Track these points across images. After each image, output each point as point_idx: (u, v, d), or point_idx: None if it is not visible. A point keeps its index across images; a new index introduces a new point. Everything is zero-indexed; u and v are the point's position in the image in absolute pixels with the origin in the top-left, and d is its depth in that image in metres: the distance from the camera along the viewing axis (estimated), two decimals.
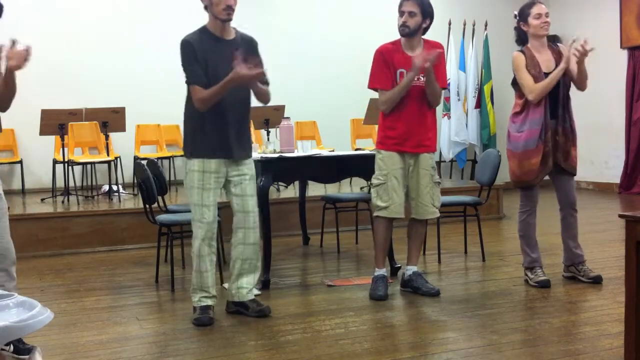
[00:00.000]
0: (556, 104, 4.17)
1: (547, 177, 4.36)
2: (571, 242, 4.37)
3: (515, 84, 4.25)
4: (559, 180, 4.32)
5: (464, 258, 5.32)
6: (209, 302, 3.75)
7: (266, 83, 3.77)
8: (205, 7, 3.68)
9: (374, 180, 4.17)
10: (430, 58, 3.90)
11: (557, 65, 4.16)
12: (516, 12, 4.28)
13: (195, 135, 3.69)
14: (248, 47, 3.71)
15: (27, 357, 3.17)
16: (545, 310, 3.78)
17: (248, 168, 3.80)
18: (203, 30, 3.72)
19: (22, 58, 3.00)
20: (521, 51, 4.24)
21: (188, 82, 3.66)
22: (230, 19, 3.67)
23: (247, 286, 3.83)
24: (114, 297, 4.40)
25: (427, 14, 4.03)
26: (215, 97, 3.59)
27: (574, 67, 4.15)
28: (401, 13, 4.02)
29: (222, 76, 3.54)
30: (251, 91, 3.77)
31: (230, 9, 3.62)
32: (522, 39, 4.30)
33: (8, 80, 3.07)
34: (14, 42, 3.01)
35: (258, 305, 3.81)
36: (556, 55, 4.22)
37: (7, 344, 3.16)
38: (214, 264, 3.76)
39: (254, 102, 3.85)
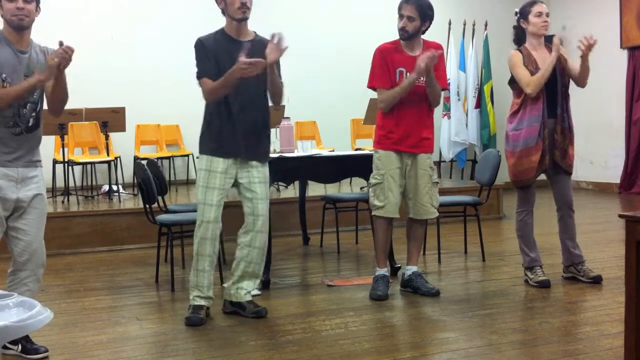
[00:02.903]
0: (554, 102, 4.18)
1: (544, 177, 4.36)
2: (569, 243, 4.37)
3: (512, 82, 4.25)
4: (556, 179, 4.32)
5: (464, 258, 5.32)
6: (202, 302, 3.73)
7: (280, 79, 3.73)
8: (223, 12, 3.68)
9: (372, 180, 4.18)
10: (432, 55, 3.87)
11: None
12: (517, 10, 4.28)
13: (205, 132, 3.74)
14: (259, 47, 3.60)
15: (34, 357, 3.18)
16: (545, 310, 3.78)
17: (258, 171, 3.77)
18: (219, 32, 3.72)
19: (62, 56, 3.06)
20: (518, 50, 4.24)
21: (198, 77, 3.65)
22: (246, 18, 3.63)
23: (247, 288, 3.82)
24: (114, 297, 4.40)
25: (427, 17, 4.01)
26: (220, 89, 3.56)
27: (573, 64, 4.16)
28: (400, 16, 4.02)
29: None
30: (267, 93, 3.76)
31: (245, 7, 3.58)
32: (519, 38, 4.31)
33: (58, 80, 3.16)
34: (60, 44, 3.09)
35: (255, 307, 3.80)
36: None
37: (15, 343, 3.18)
38: (213, 265, 3.74)
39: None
